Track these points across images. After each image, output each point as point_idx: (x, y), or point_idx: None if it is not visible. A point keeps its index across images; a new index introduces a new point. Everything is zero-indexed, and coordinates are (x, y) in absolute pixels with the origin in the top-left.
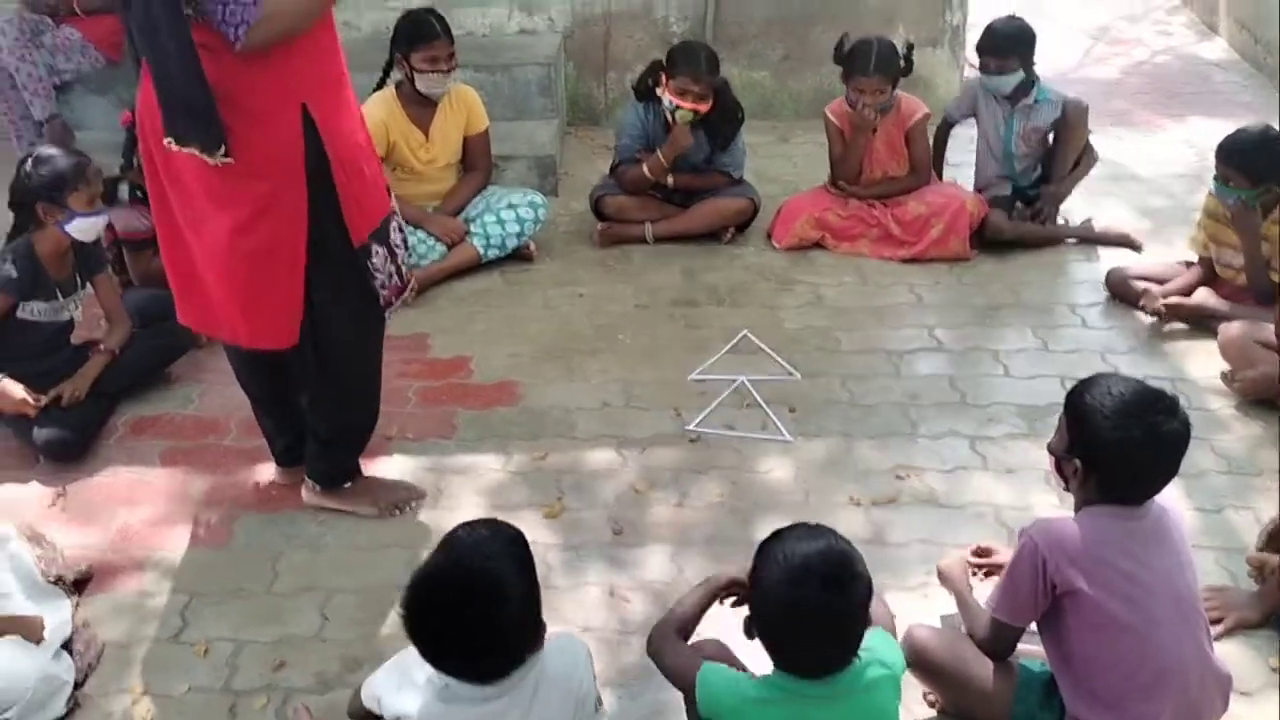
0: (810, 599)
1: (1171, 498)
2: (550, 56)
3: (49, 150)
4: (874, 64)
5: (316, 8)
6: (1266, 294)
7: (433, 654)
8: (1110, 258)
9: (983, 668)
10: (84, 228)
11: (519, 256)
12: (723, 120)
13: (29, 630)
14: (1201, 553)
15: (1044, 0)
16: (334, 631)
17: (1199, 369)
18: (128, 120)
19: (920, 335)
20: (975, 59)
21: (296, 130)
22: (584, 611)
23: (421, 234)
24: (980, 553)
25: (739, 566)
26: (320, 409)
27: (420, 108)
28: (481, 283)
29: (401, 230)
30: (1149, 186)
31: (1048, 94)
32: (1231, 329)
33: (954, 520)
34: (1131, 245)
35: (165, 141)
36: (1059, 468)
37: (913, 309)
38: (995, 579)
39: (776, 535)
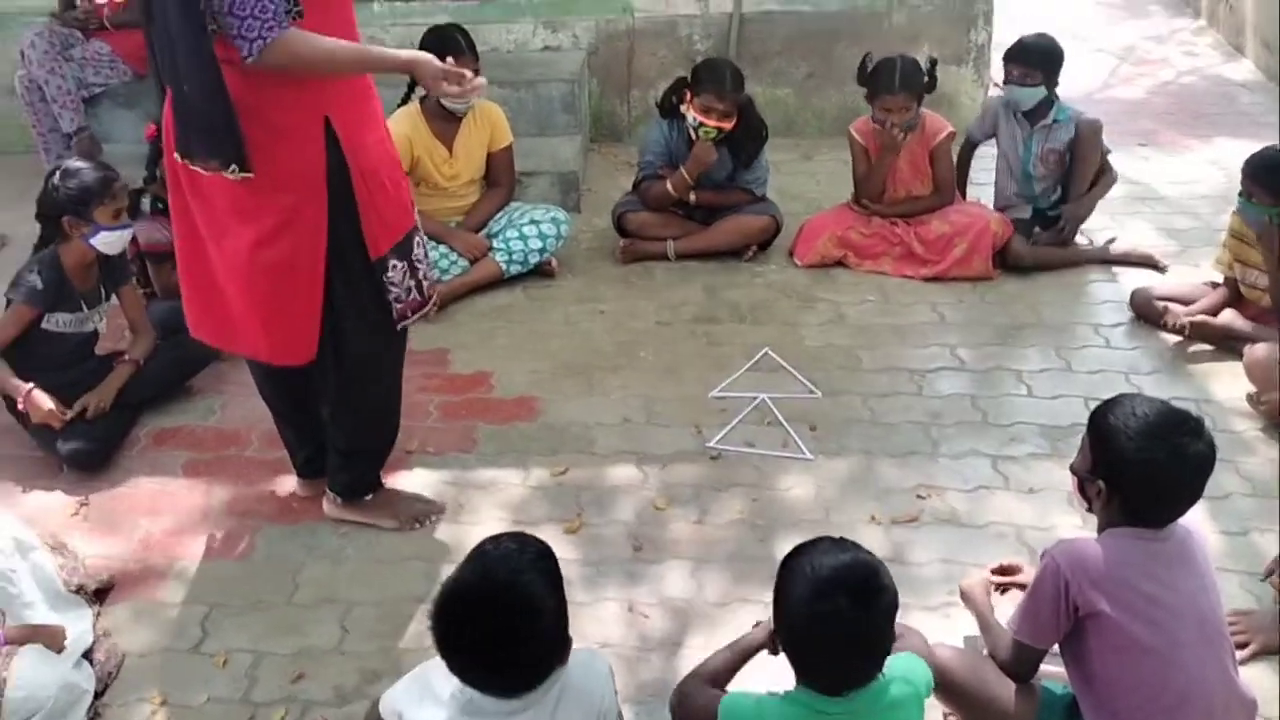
0: (838, 612)
1: (1195, 520)
2: (574, 73)
3: (77, 164)
4: (899, 81)
5: (358, 70)
6: None
7: (459, 666)
8: (1134, 278)
9: (1004, 689)
10: (109, 241)
11: (541, 272)
12: (746, 137)
13: (51, 639)
14: (1226, 576)
15: (1071, 20)
16: (353, 644)
17: (1224, 391)
18: (152, 134)
19: (942, 354)
20: (1000, 74)
21: (319, 144)
22: (603, 627)
23: (444, 249)
24: (1004, 570)
25: (766, 629)
26: (340, 422)
27: (444, 123)
28: (503, 298)
29: (423, 245)
30: (1174, 207)
31: (1067, 114)
32: (1257, 351)
33: (975, 540)
34: (1155, 266)
35: (175, 156)
36: (1082, 489)
37: (935, 328)
38: (1016, 599)
39: (801, 549)
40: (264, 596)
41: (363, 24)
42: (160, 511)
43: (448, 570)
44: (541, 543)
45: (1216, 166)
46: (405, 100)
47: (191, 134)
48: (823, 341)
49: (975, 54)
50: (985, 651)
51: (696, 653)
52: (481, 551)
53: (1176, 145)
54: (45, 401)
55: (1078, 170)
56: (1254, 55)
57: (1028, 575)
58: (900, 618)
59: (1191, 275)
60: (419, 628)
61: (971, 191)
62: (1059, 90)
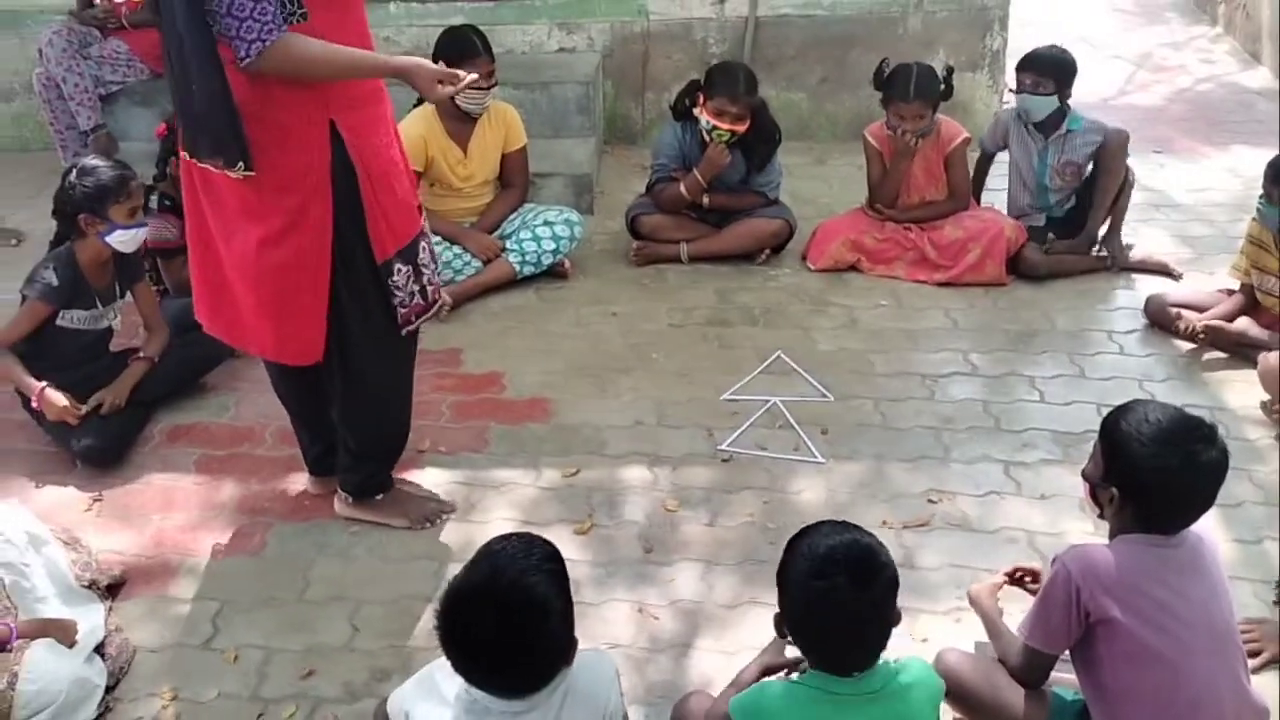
0: (836, 588)
1: (1208, 527)
2: (589, 75)
3: (93, 162)
4: (914, 90)
5: (353, 75)
6: None
7: (465, 666)
8: (1149, 285)
9: (1014, 694)
10: (124, 239)
11: (554, 274)
12: (759, 141)
13: (63, 633)
14: (1239, 584)
15: (1087, 27)
16: (363, 642)
17: (1238, 399)
18: (163, 133)
19: (955, 359)
20: (1014, 82)
21: (324, 145)
22: (613, 628)
23: (457, 249)
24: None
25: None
26: (349, 422)
27: (459, 124)
28: (516, 299)
29: (430, 250)
30: (1190, 214)
31: (1080, 123)
32: (1271, 358)
33: (986, 545)
34: (1170, 274)
35: (182, 153)
36: (1094, 495)
37: (947, 333)
38: (1025, 605)
39: (804, 530)
40: (275, 593)
41: (378, 25)
42: (173, 508)
43: (458, 570)
44: (549, 543)
45: (1233, 174)
46: (420, 101)
47: (197, 132)
48: (835, 345)
49: (990, 60)
50: (995, 657)
51: (706, 655)
52: (488, 552)
53: (1193, 152)
54: (59, 399)
55: (1102, 183)
56: (1271, 63)
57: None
58: (910, 622)
59: (1206, 283)
60: (429, 626)
61: (986, 197)
62: (1073, 101)
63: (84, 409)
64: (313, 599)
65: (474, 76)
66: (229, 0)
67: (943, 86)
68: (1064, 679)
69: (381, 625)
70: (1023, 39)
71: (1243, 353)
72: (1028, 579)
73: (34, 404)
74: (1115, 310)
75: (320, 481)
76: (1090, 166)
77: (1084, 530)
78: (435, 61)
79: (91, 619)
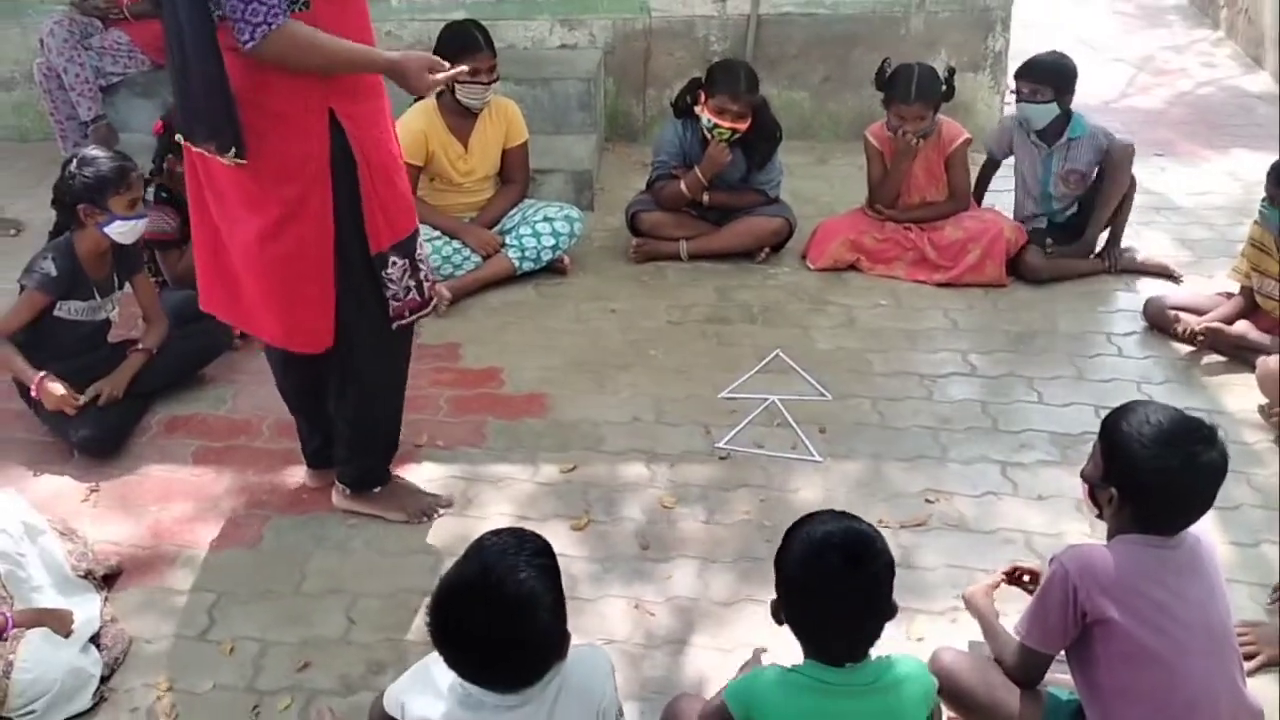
0: (832, 571)
1: (1206, 529)
2: (591, 72)
3: (93, 152)
4: (915, 91)
5: (349, 68)
6: None
7: (457, 661)
8: (1148, 287)
9: (1010, 694)
10: (123, 230)
11: (553, 270)
12: (760, 139)
13: (59, 623)
14: (1236, 587)
15: (1088, 29)
16: (360, 635)
17: (1236, 402)
18: (159, 129)
19: (953, 360)
20: (1013, 85)
21: (323, 133)
22: (609, 624)
23: (457, 244)
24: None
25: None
26: (343, 413)
27: (460, 119)
28: (515, 294)
29: (424, 248)
30: (1190, 217)
31: (1084, 130)
32: (1270, 362)
33: (983, 545)
34: (1170, 277)
35: (176, 136)
36: (1093, 495)
37: (946, 333)
38: (1022, 606)
39: (803, 518)
40: (272, 586)
41: (380, 19)
42: (170, 499)
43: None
44: (540, 538)
45: (1233, 178)
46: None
47: (193, 116)
48: (834, 345)
49: (992, 61)
50: (990, 656)
51: (702, 651)
52: (480, 546)
53: (1193, 156)
54: (57, 388)
55: (1104, 194)
56: (1272, 67)
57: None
58: (906, 622)
59: (1206, 286)
60: (425, 620)
61: (987, 199)
62: (1075, 104)
63: (82, 399)
64: (309, 591)
65: (464, 69)
66: None
67: (944, 87)
68: (1059, 679)
69: (378, 618)
70: (1025, 40)
71: (1241, 356)
72: (1026, 578)
73: (33, 393)
74: (1114, 312)
75: (318, 474)
76: (1095, 174)
77: (1081, 531)
78: (437, 55)
79: (87, 609)
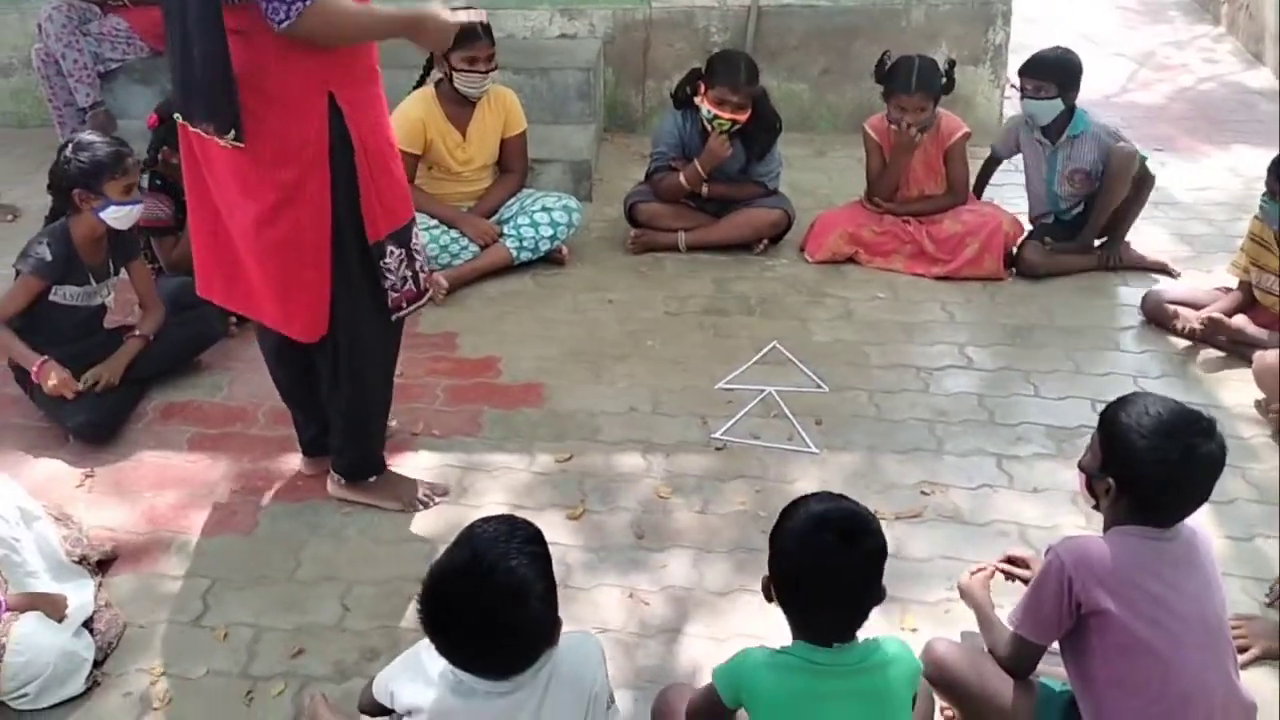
0: (825, 546)
1: (1201, 523)
2: (590, 62)
3: (89, 137)
4: (916, 82)
5: (375, 34)
6: None
7: (448, 648)
8: (1146, 282)
9: (1002, 684)
10: (118, 216)
11: (551, 260)
12: (760, 130)
13: (52, 607)
14: (1231, 581)
15: (1089, 24)
16: (354, 622)
17: (1233, 397)
18: (154, 123)
19: (951, 353)
20: (1015, 79)
21: (323, 118)
22: (603, 613)
23: (454, 234)
24: (1013, 562)
25: None
26: (335, 402)
27: (459, 107)
28: (512, 284)
29: (420, 238)
30: (1189, 212)
31: (1085, 126)
32: (1267, 357)
33: (978, 537)
34: (1168, 272)
35: (174, 115)
36: (1090, 486)
37: (944, 326)
38: (1017, 597)
39: (799, 499)
40: (266, 572)
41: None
42: (165, 485)
43: None
44: (531, 525)
45: (1233, 173)
46: (420, 83)
47: (193, 96)
48: (831, 337)
49: (993, 54)
50: (984, 648)
51: (696, 641)
52: (470, 534)
53: (1194, 151)
54: (56, 374)
55: (1100, 199)
56: (1273, 63)
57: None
58: (900, 613)
59: (1204, 281)
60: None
61: (985, 192)
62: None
63: (80, 386)
64: (304, 578)
65: (482, 12)
66: None
67: (944, 80)
68: (1052, 670)
69: (372, 606)
70: (1026, 34)
71: (1238, 351)
72: (1017, 566)
73: (33, 377)
74: (1112, 307)
75: (313, 462)
76: (1101, 173)
77: (1076, 524)
78: None
79: (81, 594)
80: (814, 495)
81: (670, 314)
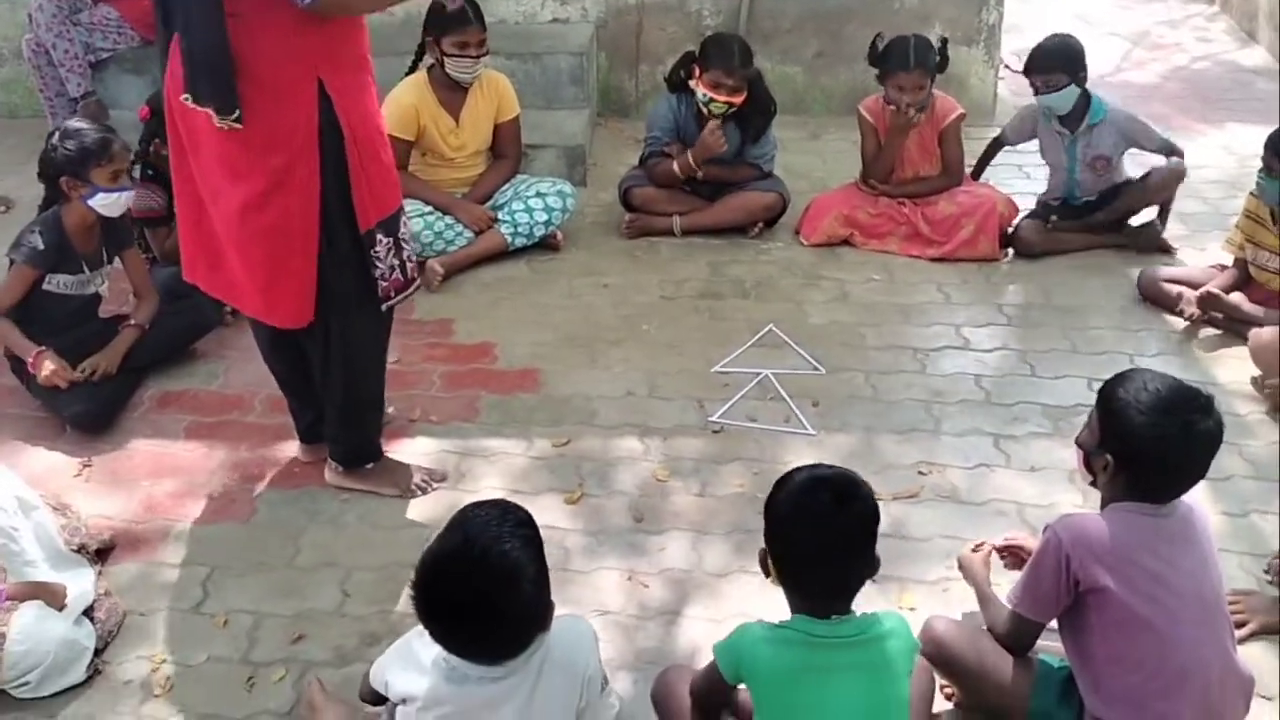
0: (819, 503)
1: (1197, 498)
2: (582, 46)
3: (76, 124)
4: (914, 59)
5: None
6: None
7: (441, 633)
8: (1143, 261)
9: (1001, 661)
10: (107, 203)
11: (545, 245)
12: (755, 112)
13: (52, 597)
14: (1227, 557)
15: (1083, 4)
16: (353, 607)
17: (1229, 374)
18: (145, 115)
19: (947, 333)
20: (1009, 58)
21: (312, 104)
22: (603, 596)
23: (449, 220)
24: (1013, 551)
25: None
26: (330, 391)
27: (451, 93)
28: (507, 270)
29: (409, 227)
30: (1184, 191)
31: (1104, 113)
32: (1263, 334)
33: (976, 517)
34: (1164, 250)
35: (182, 97)
36: (1087, 462)
37: (940, 307)
38: (1017, 575)
39: (791, 470)
40: (265, 559)
41: None
42: (162, 473)
43: None
44: (522, 509)
45: (1228, 151)
46: (412, 69)
47: (199, 76)
48: (827, 319)
49: (986, 34)
50: (983, 626)
51: (695, 623)
52: (462, 519)
53: (1188, 130)
54: (51, 363)
55: (1136, 202)
56: (1267, 41)
57: (1030, 545)
58: (899, 592)
59: (1199, 259)
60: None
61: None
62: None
63: (75, 375)
64: (303, 565)
65: None
66: None
67: (938, 57)
68: (1050, 646)
69: (371, 591)
70: (1019, 14)
71: (1234, 328)
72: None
73: (29, 366)
74: (1109, 286)
75: (311, 449)
76: (1119, 155)
77: (1073, 502)
78: (426, 30)
79: (81, 583)
80: (808, 466)
81: (666, 298)
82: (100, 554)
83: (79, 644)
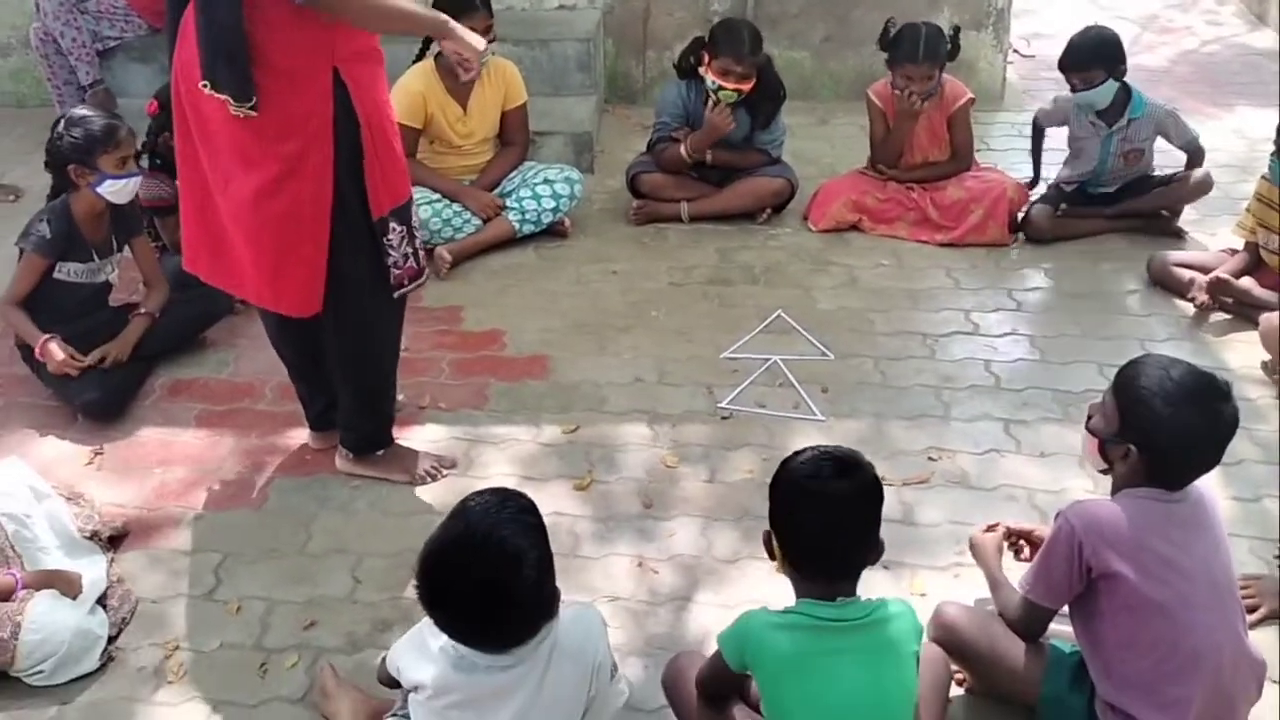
0: (821, 477)
1: (1208, 483)
2: (590, 33)
3: (81, 112)
4: (923, 51)
5: (391, 25)
6: None
7: (446, 622)
8: (1152, 245)
9: (1012, 646)
10: (115, 189)
11: (553, 232)
12: (764, 98)
13: (67, 585)
14: (1237, 541)
15: None
16: (365, 594)
17: (1238, 358)
18: (154, 109)
19: (956, 318)
20: (1018, 43)
21: (327, 91)
22: (613, 582)
23: (457, 207)
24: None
25: None
26: (343, 380)
27: (459, 81)
28: (515, 257)
29: (416, 215)
30: None
31: (1143, 110)
32: (1274, 319)
33: (986, 502)
34: (1175, 233)
35: (201, 84)
36: (1102, 450)
37: (949, 292)
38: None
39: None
40: (277, 546)
41: None
42: (174, 461)
43: None
44: (524, 496)
45: (1238, 135)
46: (420, 57)
47: (217, 62)
48: (835, 305)
49: (995, 18)
50: (994, 611)
51: (705, 608)
52: (463, 507)
53: (1198, 113)
54: (59, 352)
55: (1161, 201)
56: (1277, 25)
57: (1041, 532)
58: (909, 577)
59: (1210, 244)
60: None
61: (990, 158)
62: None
63: (87, 361)
64: (314, 552)
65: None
66: None
67: (949, 46)
68: (1062, 631)
69: (382, 578)
70: None
71: (1244, 313)
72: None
73: (37, 354)
74: (1118, 271)
75: (321, 437)
76: (1151, 146)
77: (1084, 488)
78: None
79: (94, 571)
80: (810, 445)
81: (674, 284)
82: (113, 541)
83: (93, 633)
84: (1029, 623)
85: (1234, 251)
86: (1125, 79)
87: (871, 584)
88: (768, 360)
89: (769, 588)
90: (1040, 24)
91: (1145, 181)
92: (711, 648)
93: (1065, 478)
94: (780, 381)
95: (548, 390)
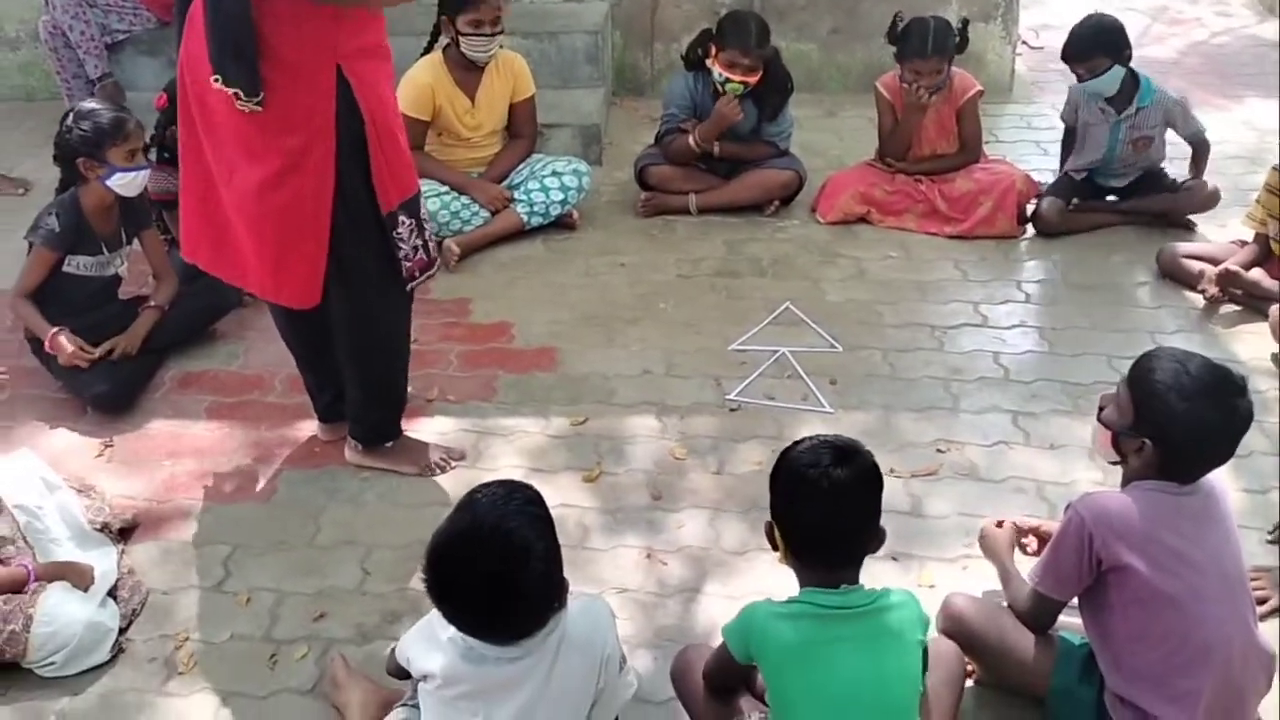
0: (820, 464)
1: (1218, 475)
2: (598, 25)
3: (90, 105)
4: (931, 45)
5: None
6: None
7: (453, 614)
8: (1162, 237)
9: (1022, 638)
10: (124, 182)
11: (561, 225)
12: (772, 90)
13: (79, 577)
14: (1247, 533)
15: None
16: (374, 585)
17: (1248, 350)
18: (163, 103)
19: (965, 310)
20: (1027, 34)
21: (330, 86)
22: (621, 574)
23: (465, 200)
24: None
25: None
26: (353, 372)
27: (467, 73)
28: (524, 249)
29: (425, 208)
30: None
31: (1152, 98)
32: None
33: (994, 494)
34: (1184, 225)
35: (212, 78)
36: (1116, 443)
37: (957, 284)
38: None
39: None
40: (286, 538)
41: None
42: (183, 453)
43: None
44: (530, 488)
45: (1248, 126)
46: (428, 50)
47: (225, 55)
48: (844, 297)
49: (1004, 10)
50: (1004, 603)
51: (713, 600)
52: (470, 499)
53: (1208, 105)
54: (69, 344)
55: (1166, 204)
56: None
57: (1050, 526)
58: (918, 569)
59: (1219, 235)
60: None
61: (999, 150)
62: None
63: (96, 353)
64: (323, 543)
65: None
66: None
67: (957, 39)
68: (1071, 623)
69: (391, 569)
70: None
71: (1254, 304)
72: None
73: (46, 347)
74: (1128, 263)
75: (330, 428)
76: (1160, 134)
77: (1092, 480)
78: (441, 9)
79: (105, 562)
80: (810, 435)
81: (682, 276)
82: (123, 533)
83: (104, 625)
84: (1038, 615)
85: (1244, 243)
86: (1133, 66)
87: (880, 576)
88: (776, 352)
89: (777, 579)
90: (1049, 15)
91: (1155, 183)
92: (719, 640)
93: (1074, 470)
94: (788, 373)
95: (556, 382)
